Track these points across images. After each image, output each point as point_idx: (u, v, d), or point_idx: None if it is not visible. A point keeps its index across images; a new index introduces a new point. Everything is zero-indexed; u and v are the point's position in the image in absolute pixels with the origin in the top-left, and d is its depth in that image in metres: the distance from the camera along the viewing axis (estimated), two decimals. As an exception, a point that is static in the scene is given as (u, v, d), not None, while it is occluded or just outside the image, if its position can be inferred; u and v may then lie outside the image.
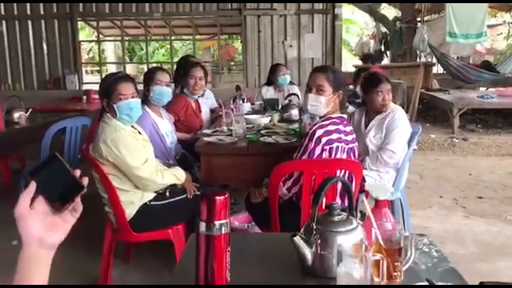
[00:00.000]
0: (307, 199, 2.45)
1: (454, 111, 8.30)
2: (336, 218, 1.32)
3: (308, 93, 2.67)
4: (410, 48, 11.04)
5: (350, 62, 14.67)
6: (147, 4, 7.81)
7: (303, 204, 2.48)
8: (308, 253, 1.30)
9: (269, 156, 3.06)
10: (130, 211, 2.73)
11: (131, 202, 2.74)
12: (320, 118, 2.68)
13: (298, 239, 1.29)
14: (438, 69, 11.86)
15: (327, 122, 2.58)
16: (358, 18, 17.52)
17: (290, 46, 7.69)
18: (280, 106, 4.50)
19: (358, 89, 4.50)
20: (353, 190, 1.41)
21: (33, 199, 0.94)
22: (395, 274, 1.23)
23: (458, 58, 9.75)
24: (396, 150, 3.23)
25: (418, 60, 10.86)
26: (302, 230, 1.33)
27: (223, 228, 1.10)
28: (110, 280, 2.95)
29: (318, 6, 7.62)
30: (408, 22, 11.55)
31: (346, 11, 13.08)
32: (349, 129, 2.66)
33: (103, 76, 3.33)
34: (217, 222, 1.09)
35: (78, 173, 0.97)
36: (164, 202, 2.83)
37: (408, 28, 11.47)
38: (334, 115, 2.62)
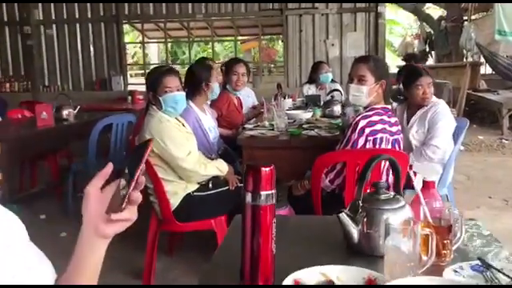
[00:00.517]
0: (351, 190, 2.41)
1: (504, 112, 8.00)
2: (382, 197, 1.30)
3: (350, 83, 2.64)
4: (455, 48, 10.74)
5: (393, 63, 14.41)
6: (190, 5, 7.94)
7: (346, 195, 2.45)
8: (354, 231, 1.28)
9: (311, 149, 3.03)
10: (174, 201, 2.78)
11: (175, 192, 2.79)
12: (363, 109, 2.64)
13: (343, 216, 1.27)
14: (486, 69, 11.47)
15: (371, 113, 2.55)
16: (402, 18, 17.21)
17: (332, 44, 7.63)
18: (322, 103, 4.47)
19: (401, 86, 4.42)
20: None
21: (106, 184, 0.94)
22: (444, 252, 1.20)
23: (507, 56, 9.39)
24: (440, 144, 3.14)
25: (464, 60, 10.55)
26: (347, 208, 1.32)
27: (269, 199, 1.10)
28: (154, 271, 3.00)
29: (361, 4, 7.53)
30: (454, 21, 11.23)
31: (390, 12, 12.87)
32: (393, 120, 2.61)
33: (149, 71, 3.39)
34: (263, 193, 1.09)
35: None
36: (207, 192, 2.87)
37: (454, 27, 11.15)
38: (377, 106, 2.58)
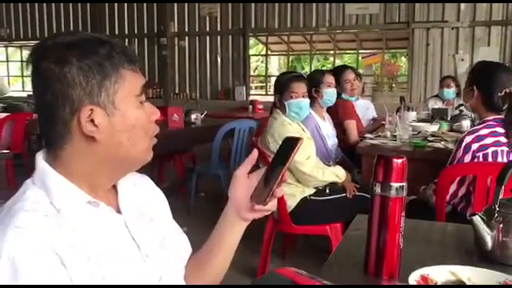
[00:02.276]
0: (479, 206, 2.26)
1: None
2: (523, 203, 1.21)
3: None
4: None
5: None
6: (314, 18, 8.04)
7: (474, 210, 2.30)
8: (488, 236, 1.21)
9: (436, 162, 2.90)
10: (290, 203, 2.84)
11: (293, 194, 2.84)
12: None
13: (477, 219, 1.21)
14: None
15: (479, 127, 2.37)
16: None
17: (462, 59, 7.21)
18: (449, 117, 4.26)
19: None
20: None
21: (254, 170, 1.03)
22: None
23: None
24: None
25: None
26: (481, 212, 1.25)
27: (399, 191, 1.09)
28: (267, 272, 3.07)
29: (497, 16, 7.02)
30: None
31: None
32: None
33: (273, 83, 3.53)
34: (393, 184, 1.08)
35: None
36: (323, 198, 2.88)
37: None
38: (489, 117, 2.39)
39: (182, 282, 1.05)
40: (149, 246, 0.96)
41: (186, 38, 9.03)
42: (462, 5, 7.13)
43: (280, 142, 2.83)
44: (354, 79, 4.16)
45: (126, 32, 9.39)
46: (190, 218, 4.07)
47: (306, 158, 2.82)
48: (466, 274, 1.04)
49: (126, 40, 9.22)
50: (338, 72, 4.24)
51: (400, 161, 1.09)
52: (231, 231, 1.07)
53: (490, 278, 1.03)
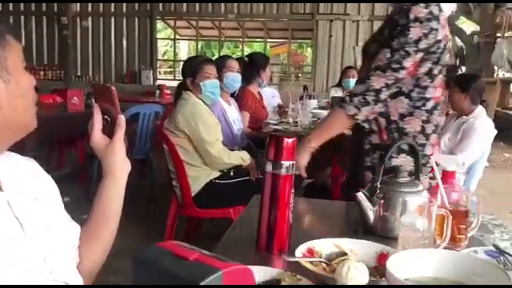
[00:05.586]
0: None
1: (532, 130, 7.84)
2: (401, 180, 1.32)
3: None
4: (486, 64, 10.56)
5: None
6: (223, 5, 8.05)
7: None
8: (370, 211, 1.30)
9: (333, 147, 3.05)
10: (195, 187, 2.84)
11: (198, 177, 2.84)
12: None
13: (361, 195, 1.30)
14: (517, 87, 11.25)
15: None
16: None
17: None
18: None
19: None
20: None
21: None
22: (459, 237, 1.21)
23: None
24: (465, 160, 3.07)
25: (494, 76, 10.37)
26: (365, 189, 1.34)
27: (289, 169, 1.14)
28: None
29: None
30: (487, 36, 11.07)
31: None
32: None
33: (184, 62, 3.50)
34: (284, 162, 1.13)
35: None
36: (228, 181, 2.91)
37: (486, 43, 10.98)
38: None
39: (69, 266, 1.01)
40: (33, 225, 0.92)
41: (90, 18, 8.60)
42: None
43: (192, 123, 2.80)
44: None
45: (22, 9, 8.72)
46: (92, 204, 3.93)
47: (215, 139, 2.85)
48: (348, 246, 1.11)
49: (22, 18, 8.57)
50: (264, 60, 4.31)
51: (290, 140, 1.14)
52: (114, 191, 1.12)
53: (369, 249, 1.11)
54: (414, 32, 1.65)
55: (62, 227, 1.02)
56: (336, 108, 1.78)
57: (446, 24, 1.75)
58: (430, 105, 1.76)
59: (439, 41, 1.69)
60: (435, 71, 1.74)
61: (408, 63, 1.66)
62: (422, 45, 1.66)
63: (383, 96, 1.70)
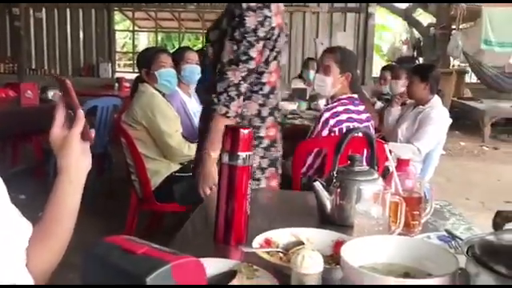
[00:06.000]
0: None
1: (486, 120, 8.14)
2: (357, 169, 1.34)
3: (316, 73, 2.72)
4: (442, 55, 10.86)
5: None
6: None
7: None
8: (327, 200, 1.31)
9: (293, 138, 3.06)
10: (155, 180, 2.80)
11: (158, 170, 2.81)
12: (330, 100, 2.70)
13: (317, 185, 1.30)
14: (471, 78, 11.63)
15: (335, 104, 2.60)
16: (392, 24, 17.34)
17: (322, 43, 7.69)
18: (308, 96, 4.52)
19: (387, 87, 4.58)
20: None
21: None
22: (413, 223, 1.23)
23: (492, 66, 9.54)
24: (422, 148, 3.13)
25: (450, 67, 10.68)
26: (322, 179, 1.35)
27: (246, 160, 1.13)
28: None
29: (352, 4, 7.60)
30: (443, 28, 11.37)
31: (380, 17, 12.95)
32: (361, 108, 2.65)
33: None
34: (240, 154, 1.12)
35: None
36: (189, 174, 2.88)
37: (442, 34, 11.28)
38: (342, 96, 2.62)
39: (18, 263, 0.98)
40: None
41: (43, 9, 8.31)
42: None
43: (150, 114, 2.76)
44: None
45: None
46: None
47: (174, 130, 2.83)
48: (305, 235, 1.12)
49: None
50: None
51: (247, 131, 1.13)
52: (69, 188, 1.07)
53: (326, 238, 1.12)
54: (250, 21, 1.72)
55: (10, 223, 0.97)
56: (212, 113, 1.78)
57: (278, 13, 1.81)
58: (266, 89, 1.87)
59: (273, 28, 1.77)
60: (270, 57, 1.83)
61: (254, 53, 1.74)
62: (260, 33, 1.74)
63: (243, 89, 1.77)
